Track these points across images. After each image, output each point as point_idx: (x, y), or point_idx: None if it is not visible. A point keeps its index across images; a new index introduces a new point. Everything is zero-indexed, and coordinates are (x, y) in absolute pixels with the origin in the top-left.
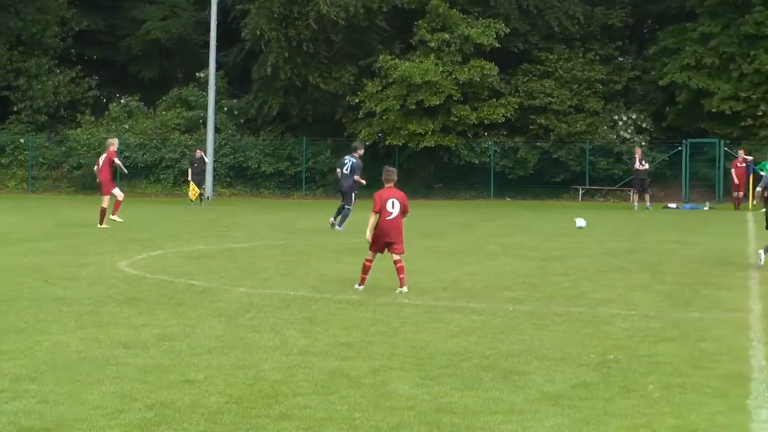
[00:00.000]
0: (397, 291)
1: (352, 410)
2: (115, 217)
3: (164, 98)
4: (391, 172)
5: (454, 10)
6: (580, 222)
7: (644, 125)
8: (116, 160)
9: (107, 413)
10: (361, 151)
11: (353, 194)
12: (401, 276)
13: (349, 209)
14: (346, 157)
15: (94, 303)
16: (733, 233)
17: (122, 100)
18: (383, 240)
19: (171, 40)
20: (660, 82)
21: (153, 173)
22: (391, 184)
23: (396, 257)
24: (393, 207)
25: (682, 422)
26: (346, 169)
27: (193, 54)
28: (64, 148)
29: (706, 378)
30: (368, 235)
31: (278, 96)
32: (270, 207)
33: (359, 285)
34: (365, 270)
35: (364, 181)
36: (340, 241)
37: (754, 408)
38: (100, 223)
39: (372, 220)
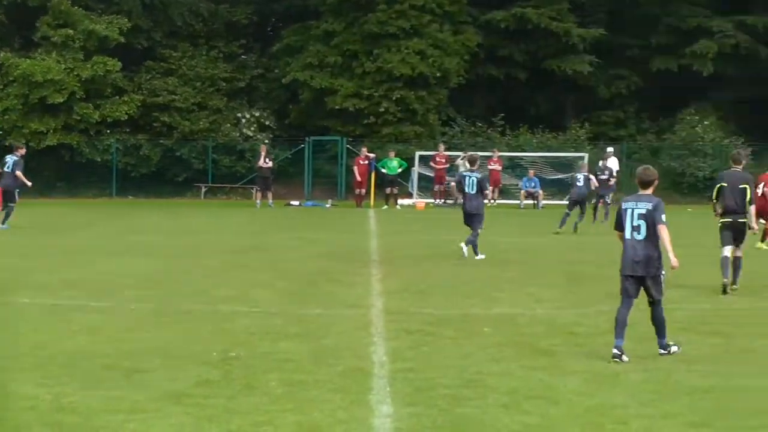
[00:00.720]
0: None
1: None
2: None
3: None
4: None
5: (77, 7)
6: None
7: (268, 123)
8: None
9: None
10: (23, 150)
11: (16, 192)
12: None
13: (12, 206)
14: (7, 156)
15: None
16: (356, 230)
17: None
18: None
19: None
20: (283, 80)
21: None
22: None
23: None
24: None
25: (304, 418)
26: (7, 168)
27: None
28: None
29: (328, 374)
30: None
31: None
32: None
33: None
34: None
35: (29, 182)
36: None
37: (376, 403)
38: None
39: None
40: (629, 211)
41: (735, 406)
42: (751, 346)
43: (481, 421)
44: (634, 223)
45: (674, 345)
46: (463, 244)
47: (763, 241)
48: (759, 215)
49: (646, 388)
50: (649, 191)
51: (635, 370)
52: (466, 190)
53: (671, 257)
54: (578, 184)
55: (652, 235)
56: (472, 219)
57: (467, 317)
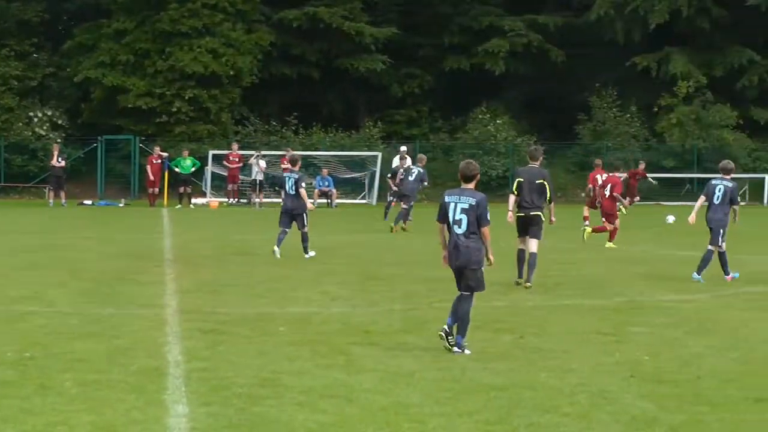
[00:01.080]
0: None
1: None
2: None
3: None
4: None
5: None
6: (670, 218)
7: (60, 122)
8: None
9: None
10: None
11: None
12: None
13: None
14: None
15: None
16: (149, 229)
17: None
18: None
19: None
20: (75, 79)
21: None
22: None
23: None
24: None
25: (99, 418)
26: None
27: None
28: None
29: (122, 374)
30: None
31: None
32: None
33: None
34: None
35: None
36: None
37: (171, 402)
38: None
39: None
40: (452, 205)
41: (529, 403)
42: (543, 343)
43: (277, 419)
44: (456, 217)
45: (467, 349)
46: (307, 253)
47: (611, 240)
48: (607, 215)
49: (442, 386)
50: (471, 186)
51: (430, 369)
52: (287, 190)
53: (490, 257)
54: (410, 178)
55: (473, 230)
56: (292, 218)
57: (262, 316)
